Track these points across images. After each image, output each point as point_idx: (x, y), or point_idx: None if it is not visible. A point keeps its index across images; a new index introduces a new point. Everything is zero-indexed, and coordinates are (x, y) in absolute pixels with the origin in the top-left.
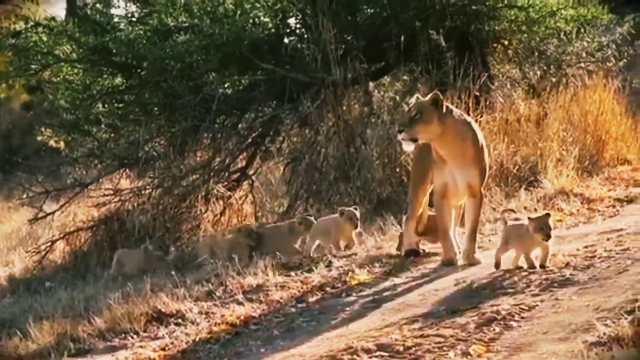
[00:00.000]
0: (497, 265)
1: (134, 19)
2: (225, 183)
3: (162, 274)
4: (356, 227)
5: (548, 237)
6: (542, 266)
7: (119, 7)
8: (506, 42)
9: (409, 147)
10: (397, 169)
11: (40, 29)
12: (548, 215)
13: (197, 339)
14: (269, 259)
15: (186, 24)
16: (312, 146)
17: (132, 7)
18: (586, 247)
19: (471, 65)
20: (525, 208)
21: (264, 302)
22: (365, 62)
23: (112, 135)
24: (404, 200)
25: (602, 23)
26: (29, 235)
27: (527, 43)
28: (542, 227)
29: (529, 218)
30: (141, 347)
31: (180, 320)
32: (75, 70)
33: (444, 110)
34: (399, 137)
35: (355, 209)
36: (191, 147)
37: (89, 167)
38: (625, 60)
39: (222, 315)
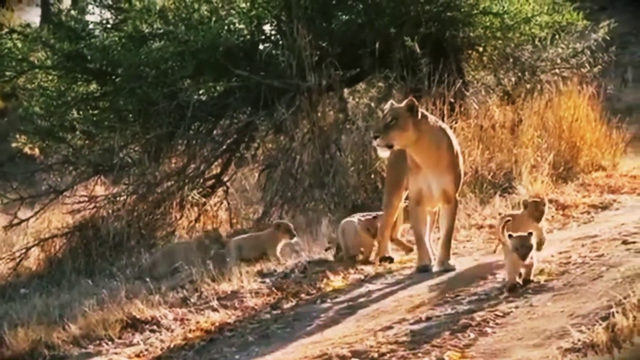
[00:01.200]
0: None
1: (108, 26)
2: (200, 189)
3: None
4: (292, 238)
5: (523, 258)
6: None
7: (93, 13)
8: (481, 49)
9: (384, 154)
10: (372, 175)
11: (14, 36)
12: (530, 234)
13: (172, 346)
14: (243, 265)
15: (161, 31)
16: (287, 152)
17: (107, 14)
18: (561, 253)
19: (446, 71)
20: (500, 215)
21: (238, 308)
22: (340, 69)
23: (87, 141)
24: (379, 206)
25: (577, 29)
26: (3, 242)
27: (501, 49)
28: (518, 247)
29: (510, 235)
30: (116, 353)
31: (155, 327)
32: (50, 77)
33: (419, 116)
34: (375, 143)
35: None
36: (166, 154)
37: (63, 174)
38: (600, 66)
39: (197, 322)
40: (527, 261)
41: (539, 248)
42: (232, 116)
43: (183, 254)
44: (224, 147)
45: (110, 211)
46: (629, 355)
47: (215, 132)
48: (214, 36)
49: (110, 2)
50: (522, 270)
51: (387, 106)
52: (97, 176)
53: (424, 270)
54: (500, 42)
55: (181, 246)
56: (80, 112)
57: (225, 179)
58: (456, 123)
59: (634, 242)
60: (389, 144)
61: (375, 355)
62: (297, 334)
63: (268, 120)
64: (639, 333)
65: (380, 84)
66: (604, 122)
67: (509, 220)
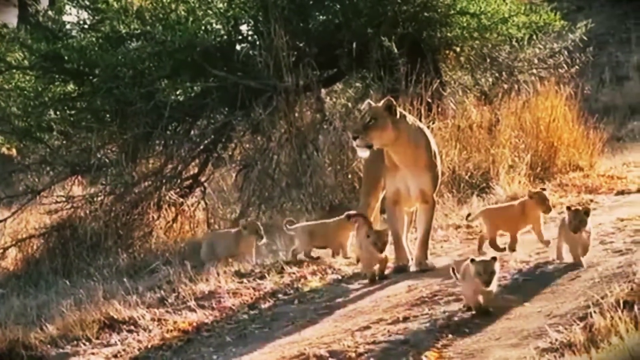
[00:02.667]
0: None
1: (85, 26)
2: (178, 190)
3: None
4: (261, 238)
5: (487, 284)
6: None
7: (70, 14)
8: (458, 49)
9: (363, 154)
10: (349, 175)
11: None
12: (494, 259)
13: (149, 346)
14: (220, 265)
15: (138, 31)
16: (264, 153)
17: (84, 14)
18: (538, 253)
19: (423, 71)
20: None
21: (216, 308)
22: (317, 69)
23: (64, 142)
24: (356, 206)
25: (554, 30)
26: None
27: (479, 50)
28: (481, 273)
29: (472, 260)
30: (93, 354)
31: (132, 327)
32: (27, 77)
33: (398, 116)
34: (354, 143)
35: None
36: (143, 154)
37: (41, 174)
38: (577, 66)
39: (175, 322)
40: (490, 288)
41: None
42: (209, 116)
43: (223, 244)
44: (201, 147)
45: (87, 211)
46: (606, 355)
47: (192, 132)
48: (191, 36)
49: (88, 3)
50: (481, 297)
51: (365, 106)
52: (74, 176)
53: (401, 270)
54: (477, 42)
55: (221, 236)
56: (58, 113)
57: (203, 179)
58: (433, 123)
59: (611, 242)
60: (368, 144)
61: (353, 355)
62: (275, 334)
63: (245, 120)
64: (616, 333)
65: (357, 84)
66: (582, 123)
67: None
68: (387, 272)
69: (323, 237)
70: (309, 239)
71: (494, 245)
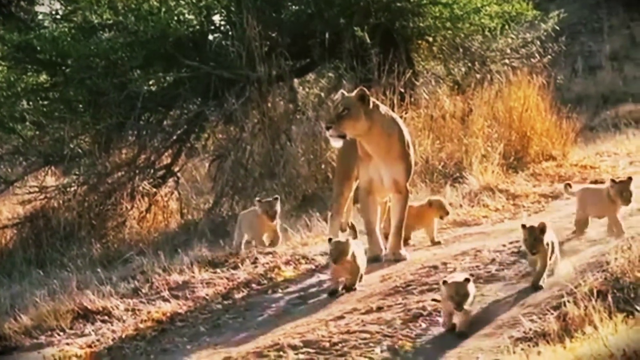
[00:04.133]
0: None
1: (58, 17)
2: (151, 180)
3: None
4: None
5: (458, 307)
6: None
7: (43, 4)
8: (431, 39)
9: (337, 143)
10: (323, 166)
11: None
12: (467, 280)
13: (123, 336)
14: (194, 255)
15: (110, 22)
16: (237, 143)
17: (57, 5)
18: (512, 243)
19: (396, 61)
20: (450, 204)
21: (190, 298)
22: (290, 59)
23: (37, 132)
24: (330, 196)
25: (527, 19)
26: None
27: (451, 40)
28: (453, 295)
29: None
30: (67, 344)
31: (106, 317)
32: (0, 68)
33: (371, 105)
34: (327, 133)
35: (276, 198)
36: (116, 144)
37: (14, 165)
38: (549, 56)
39: (148, 312)
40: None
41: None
42: (182, 107)
43: (248, 223)
44: (174, 137)
45: (61, 202)
46: (580, 344)
47: (165, 122)
48: (164, 27)
49: None
50: (457, 319)
51: (338, 96)
52: (47, 167)
53: (375, 260)
54: (450, 32)
55: (247, 215)
56: (30, 103)
57: (176, 169)
58: (406, 113)
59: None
60: (341, 134)
61: (327, 344)
62: (249, 324)
63: (218, 110)
64: (590, 322)
65: (330, 74)
66: (554, 112)
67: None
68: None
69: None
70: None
71: None
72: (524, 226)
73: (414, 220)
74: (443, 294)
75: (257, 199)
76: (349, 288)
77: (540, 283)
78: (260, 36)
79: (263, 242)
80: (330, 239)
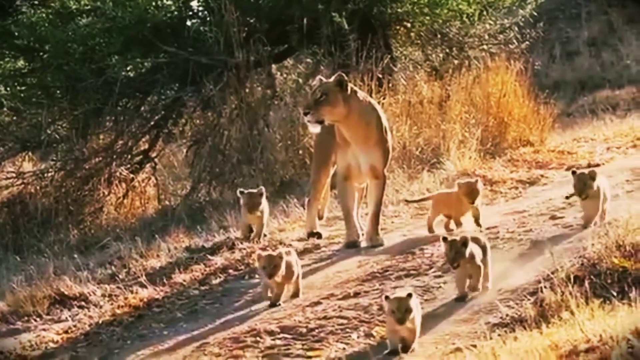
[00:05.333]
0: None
1: (36, 2)
2: (128, 166)
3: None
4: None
5: (400, 322)
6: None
7: None
8: (409, 25)
9: (315, 129)
10: (300, 151)
11: None
12: (410, 295)
13: (100, 322)
14: (172, 240)
15: (88, 7)
16: (215, 129)
17: None
18: (489, 228)
19: (374, 47)
20: (428, 190)
21: (167, 284)
22: (268, 45)
23: (15, 118)
24: (307, 182)
25: (505, 5)
26: None
27: (429, 25)
28: (394, 311)
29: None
30: (44, 329)
31: (83, 303)
32: None
33: (349, 91)
34: (305, 119)
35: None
36: (94, 130)
37: None
38: (527, 42)
39: (125, 298)
40: (407, 325)
41: None
42: (159, 92)
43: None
44: (152, 123)
45: (38, 187)
46: (557, 330)
47: (143, 108)
48: (142, 12)
49: None
50: (404, 335)
51: (316, 82)
52: (24, 152)
53: (352, 246)
54: (427, 17)
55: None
56: (8, 89)
57: (153, 155)
58: (384, 99)
59: (562, 217)
60: (319, 120)
61: (304, 330)
62: (226, 310)
63: (196, 96)
64: (567, 308)
65: (308, 59)
66: (532, 98)
67: None
68: (337, 247)
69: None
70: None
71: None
72: (445, 239)
73: (445, 207)
74: (385, 310)
75: (240, 190)
76: (273, 304)
77: (464, 293)
78: (238, 22)
79: (245, 232)
80: (387, 297)
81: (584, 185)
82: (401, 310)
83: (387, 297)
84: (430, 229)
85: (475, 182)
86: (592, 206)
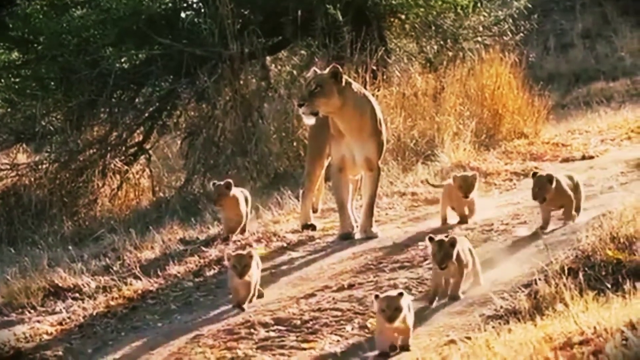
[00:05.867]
0: None
1: None
2: (122, 157)
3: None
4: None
5: (390, 320)
6: None
7: None
8: (403, 16)
9: (309, 121)
10: (294, 143)
11: None
12: (401, 295)
13: (94, 314)
14: (166, 232)
15: None
16: (209, 120)
17: None
18: (483, 220)
19: (368, 39)
20: (422, 182)
21: (161, 276)
22: (262, 37)
23: (9, 109)
24: (301, 174)
25: None
26: None
27: (423, 17)
28: (384, 309)
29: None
30: (38, 321)
31: (77, 295)
32: None
33: (344, 83)
34: (300, 110)
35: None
36: (88, 122)
37: None
38: (522, 34)
39: (120, 290)
40: (396, 324)
41: None
42: (154, 84)
43: None
44: (146, 115)
45: (32, 179)
46: (551, 322)
47: (137, 100)
48: (136, 4)
49: None
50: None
51: (310, 74)
52: (19, 144)
53: (346, 238)
54: (422, 9)
55: None
56: (2, 80)
57: (148, 146)
58: (379, 91)
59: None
60: (314, 111)
61: (298, 322)
62: (220, 302)
63: (190, 88)
64: (561, 300)
65: (302, 51)
66: (526, 90)
67: None
68: (331, 239)
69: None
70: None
71: None
72: (431, 239)
73: (448, 199)
74: (375, 309)
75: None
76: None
77: (459, 293)
78: (232, 14)
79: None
80: (376, 296)
81: (538, 189)
82: (391, 308)
83: (377, 297)
84: (444, 220)
85: (472, 176)
86: (547, 211)
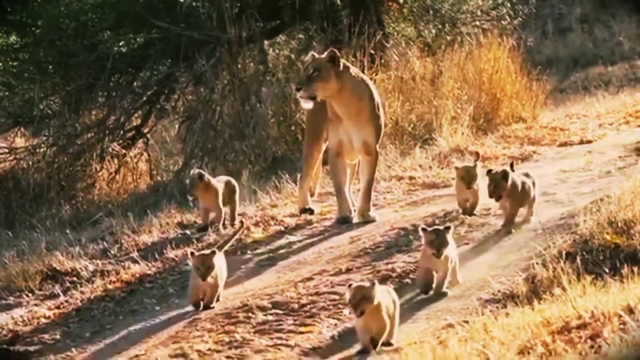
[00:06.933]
0: None
1: None
2: (120, 141)
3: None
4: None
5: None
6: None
7: None
8: (401, 1)
9: (307, 105)
10: (292, 127)
11: None
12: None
13: (92, 297)
14: (164, 216)
15: None
16: (207, 104)
17: None
18: (481, 204)
19: (366, 23)
20: (420, 166)
21: (159, 260)
22: (260, 21)
23: (7, 93)
24: (299, 158)
25: None
26: None
27: (422, 1)
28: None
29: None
30: (36, 305)
31: (75, 279)
32: None
33: (341, 67)
34: (298, 94)
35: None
36: (86, 106)
37: None
38: (520, 18)
39: (117, 273)
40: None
41: None
42: (152, 68)
43: None
44: (144, 98)
45: (30, 163)
46: (548, 306)
47: (135, 83)
48: None
49: None
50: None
51: (308, 58)
52: (17, 128)
53: (344, 222)
54: None
55: None
56: (0, 64)
57: (146, 130)
58: (376, 75)
59: (553, 194)
60: (312, 95)
61: (296, 306)
62: None
63: (188, 72)
64: (559, 284)
65: (300, 35)
66: (524, 74)
67: None
68: (329, 223)
69: None
70: None
71: None
72: (424, 230)
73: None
74: (347, 299)
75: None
76: (207, 306)
77: (444, 289)
78: None
79: (204, 219)
80: (192, 253)
81: (494, 187)
82: (356, 297)
83: (349, 286)
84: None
85: (473, 166)
86: (512, 205)
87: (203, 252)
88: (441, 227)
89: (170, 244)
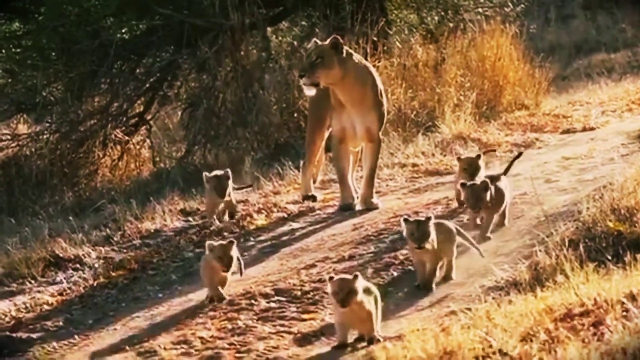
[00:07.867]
0: None
1: None
2: (123, 128)
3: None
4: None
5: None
6: None
7: None
8: None
9: (310, 92)
10: (295, 114)
11: None
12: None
13: (95, 284)
14: (167, 203)
15: None
16: (210, 91)
17: None
18: None
19: (369, 10)
20: (423, 153)
21: (161, 247)
22: (263, 7)
23: (10, 80)
24: (302, 145)
25: None
26: None
27: None
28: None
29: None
30: (39, 292)
31: (78, 265)
32: None
33: (344, 54)
34: (301, 81)
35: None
36: (89, 92)
37: None
38: (523, 5)
39: (120, 260)
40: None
41: None
42: (155, 55)
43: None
44: (147, 85)
45: (33, 149)
46: (551, 293)
47: (138, 70)
48: None
49: None
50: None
51: (311, 45)
52: (20, 114)
53: (347, 209)
54: None
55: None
56: (3, 51)
57: (148, 117)
58: (379, 62)
59: (556, 181)
60: (315, 82)
61: (299, 293)
62: None
63: (191, 58)
64: (561, 272)
65: (303, 22)
66: (527, 61)
67: None
68: (332, 210)
69: None
70: None
71: None
72: (406, 220)
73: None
74: (329, 291)
75: (205, 173)
76: (222, 298)
77: (433, 285)
78: None
79: (214, 218)
80: (210, 244)
81: (476, 200)
82: (343, 291)
83: (331, 279)
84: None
85: (476, 157)
86: (488, 215)
87: (222, 242)
88: (422, 218)
89: (173, 231)
